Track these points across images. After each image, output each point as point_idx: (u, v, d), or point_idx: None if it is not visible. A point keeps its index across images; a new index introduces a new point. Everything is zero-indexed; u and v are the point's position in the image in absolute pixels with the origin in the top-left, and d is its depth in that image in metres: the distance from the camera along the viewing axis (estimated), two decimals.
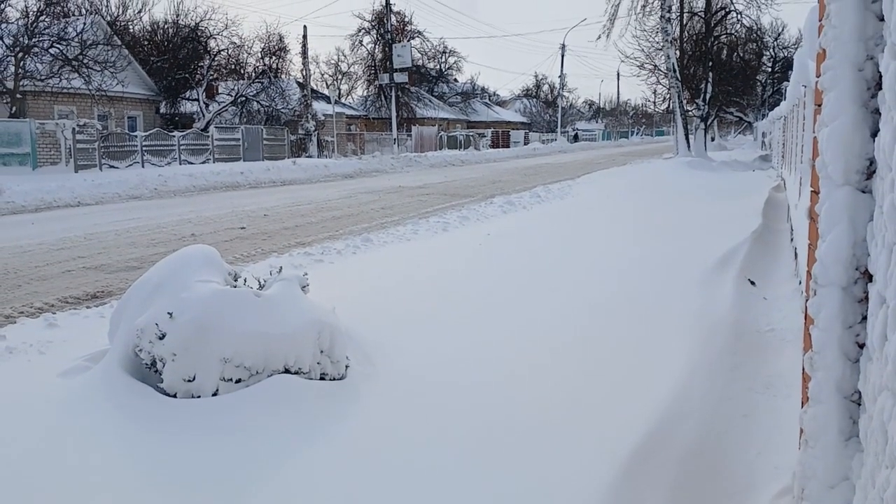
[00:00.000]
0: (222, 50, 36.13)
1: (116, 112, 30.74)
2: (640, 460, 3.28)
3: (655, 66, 32.44)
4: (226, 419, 3.51)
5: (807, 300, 2.42)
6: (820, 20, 2.46)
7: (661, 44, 29.15)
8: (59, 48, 24.29)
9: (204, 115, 33.79)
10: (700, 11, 32.71)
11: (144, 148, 25.42)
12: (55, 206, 16.02)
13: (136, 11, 36.41)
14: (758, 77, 43.22)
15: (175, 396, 3.68)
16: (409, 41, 47.79)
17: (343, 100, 50.48)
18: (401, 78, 40.53)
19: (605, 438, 3.46)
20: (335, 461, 3.28)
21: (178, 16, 36.17)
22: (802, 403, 2.54)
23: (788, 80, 15.15)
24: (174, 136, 27.09)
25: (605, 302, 6.08)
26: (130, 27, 35.68)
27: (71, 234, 11.20)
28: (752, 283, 7.15)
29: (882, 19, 2.02)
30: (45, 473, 3.08)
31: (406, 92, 48.66)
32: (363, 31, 51.52)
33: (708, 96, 32.20)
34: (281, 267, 4.81)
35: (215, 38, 35.69)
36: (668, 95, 32.20)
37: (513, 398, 3.98)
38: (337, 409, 3.78)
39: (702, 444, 3.61)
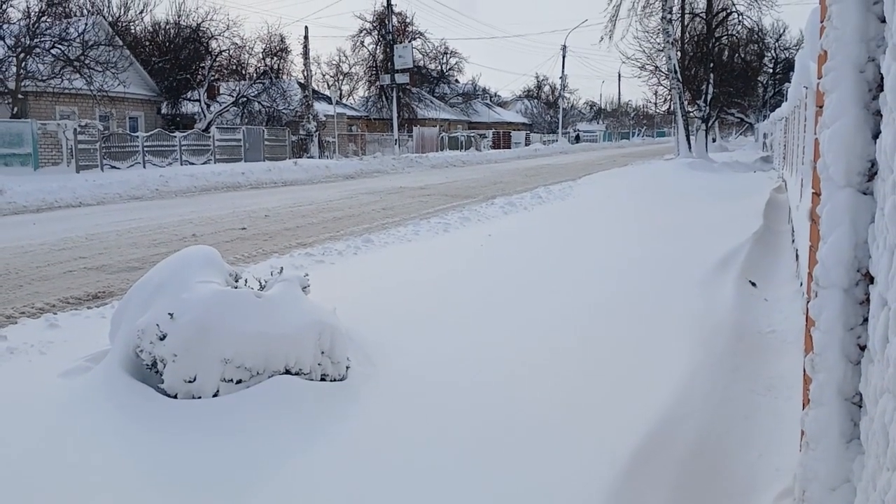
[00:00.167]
0: (224, 51, 36.19)
1: (118, 112, 30.77)
2: (641, 461, 3.28)
3: (656, 67, 32.47)
4: (226, 420, 3.51)
5: (808, 302, 2.42)
6: (821, 21, 2.46)
7: (662, 45, 29.14)
8: (60, 49, 24.31)
9: (205, 116, 33.81)
10: (701, 12, 32.71)
11: (146, 148, 25.44)
12: (56, 206, 16.02)
13: (138, 12, 36.48)
14: (759, 78, 43.23)
15: (176, 397, 3.68)
16: (410, 42, 47.81)
17: (344, 100, 50.48)
18: (402, 79, 40.53)
19: (606, 439, 3.45)
20: (336, 462, 3.28)
21: (179, 16, 36.26)
22: (804, 405, 2.54)
23: (790, 82, 15.15)
24: (175, 137, 27.11)
25: (605, 303, 6.07)
26: (132, 28, 35.75)
27: (72, 235, 11.21)
28: (753, 284, 7.14)
29: (883, 21, 2.02)
30: (46, 473, 3.08)
31: (407, 93, 48.67)
32: (364, 31, 51.62)
33: (709, 97, 32.19)
34: (282, 268, 4.82)
35: (217, 39, 35.77)
36: (669, 96, 32.22)
37: (513, 398, 3.98)
38: (337, 409, 3.78)
39: (703, 445, 3.60)
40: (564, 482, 3.10)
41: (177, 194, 19.14)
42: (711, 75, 31.95)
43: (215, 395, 3.68)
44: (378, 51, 50.88)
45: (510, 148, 54.49)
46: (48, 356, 4.69)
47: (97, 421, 3.52)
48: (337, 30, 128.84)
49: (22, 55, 23.50)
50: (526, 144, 59.43)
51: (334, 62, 56.84)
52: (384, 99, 47.65)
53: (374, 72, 50.92)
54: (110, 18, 32.77)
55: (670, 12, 28.19)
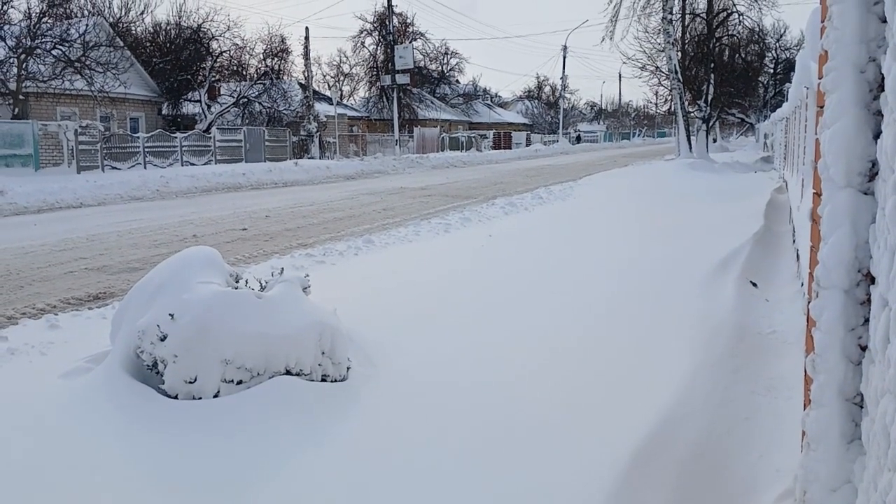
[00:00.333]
0: (224, 51, 36.21)
1: (119, 113, 30.79)
2: (642, 462, 3.28)
3: (657, 67, 32.48)
4: (227, 420, 3.51)
5: (809, 302, 2.42)
6: (822, 22, 2.46)
7: (663, 45, 29.14)
8: (61, 50, 24.33)
9: (206, 117, 33.83)
10: (702, 13, 32.70)
11: (146, 149, 25.45)
12: (57, 207, 16.03)
13: (139, 13, 36.47)
14: (760, 78, 43.22)
15: (176, 398, 3.68)
16: (410, 42, 47.80)
17: (345, 101, 50.52)
18: (403, 79, 40.53)
19: (606, 440, 3.45)
20: (337, 462, 3.28)
21: (180, 17, 36.28)
22: (804, 406, 2.54)
23: (790, 82, 15.15)
24: (176, 138, 27.12)
25: (606, 303, 6.07)
26: (133, 29, 35.75)
27: (73, 236, 11.22)
28: (754, 284, 7.14)
29: (884, 21, 2.02)
30: (46, 474, 3.08)
31: (408, 93, 48.67)
32: (365, 32, 51.64)
33: (710, 98, 32.17)
34: (282, 268, 4.82)
35: (217, 40, 35.78)
36: (670, 97, 32.25)
37: (513, 398, 3.98)
38: (338, 410, 3.78)
39: (703, 446, 3.60)
40: (565, 482, 3.09)
41: (177, 195, 19.14)
42: (712, 76, 31.93)
43: (216, 396, 3.68)
44: (379, 51, 50.91)
45: (511, 148, 54.50)
46: (49, 357, 4.69)
47: (98, 422, 3.52)
48: (337, 30, 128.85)
49: (23, 56, 23.53)
50: (527, 145, 59.44)
51: (335, 63, 57.04)
52: (385, 99, 47.66)
53: (374, 72, 50.93)
54: (111, 19, 32.79)
55: (671, 12, 28.18)
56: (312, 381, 3.95)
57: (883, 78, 1.95)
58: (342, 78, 55.39)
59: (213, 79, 35.57)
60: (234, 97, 35.39)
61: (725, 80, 34.33)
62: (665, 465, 3.32)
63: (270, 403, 3.64)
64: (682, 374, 4.39)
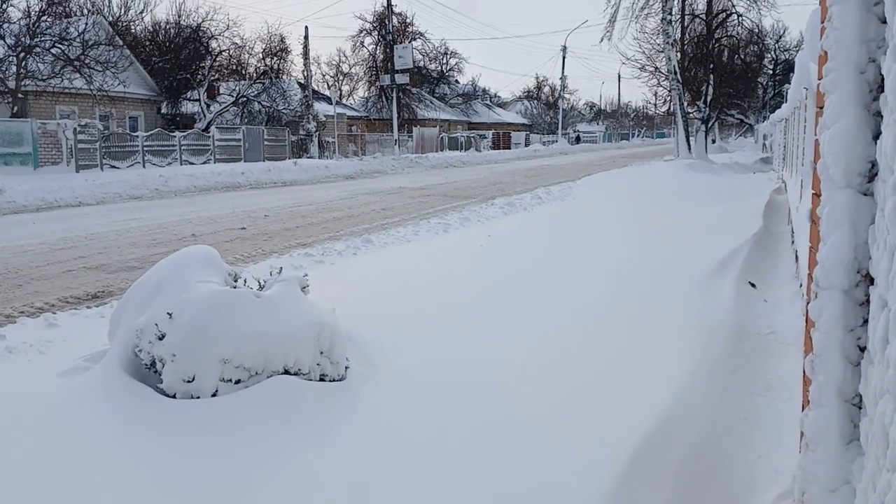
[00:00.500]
0: (224, 50, 36.18)
1: (118, 112, 30.75)
2: (641, 462, 3.28)
3: (656, 68, 32.48)
4: (225, 420, 3.51)
5: (808, 303, 2.42)
6: (822, 22, 2.46)
7: (662, 46, 29.16)
8: (60, 48, 24.30)
9: (205, 116, 33.80)
10: (701, 13, 32.71)
11: (145, 148, 25.43)
12: (56, 205, 16.02)
13: (138, 12, 36.47)
14: (759, 79, 43.23)
15: (174, 397, 3.68)
16: (410, 42, 47.80)
17: (344, 101, 50.47)
18: (402, 79, 40.53)
19: (606, 440, 3.45)
20: (336, 462, 3.27)
21: (179, 16, 36.23)
22: (803, 407, 2.54)
23: (790, 83, 15.15)
24: (175, 137, 27.10)
25: (605, 303, 6.07)
26: (132, 27, 35.73)
27: (72, 234, 11.21)
28: (753, 285, 7.14)
29: (884, 21, 2.02)
30: (45, 473, 3.08)
31: (407, 93, 48.67)
32: (364, 32, 51.63)
33: (709, 98, 32.20)
34: (281, 268, 4.81)
35: (217, 39, 35.75)
36: (669, 97, 32.24)
37: (512, 399, 3.98)
38: (336, 409, 3.78)
39: (702, 446, 3.60)
40: (564, 482, 3.09)
41: (176, 194, 19.13)
42: (711, 76, 31.95)
43: (214, 395, 3.68)
44: (378, 51, 50.90)
45: (510, 149, 54.51)
46: (47, 356, 4.68)
47: (96, 420, 3.52)
48: (337, 30, 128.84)
49: (22, 54, 23.50)
50: (526, 145, 59.44)
51: (334, 62, 56.92)
52: (384, 99, 47.65)
53: (374, 72, 50.92)
54: (110, 18, 32.77)
55: (670, 13, 28.21)
56: (311, 380, 3.95)
57: (883, 79, 1.95)
58: (341, 77, 55.38)
59: (212, 78, 35.55)
60: (233, 96, 35.36)
61: (724, 80, 34.34)
62: (664, 466, 3.32)
63: (269, 403, 3.64)
64: (682, 375, 4.39)
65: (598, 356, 4.74)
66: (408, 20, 54.13)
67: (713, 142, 42.89)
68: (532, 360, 4.62)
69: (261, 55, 37.67)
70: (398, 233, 10.68)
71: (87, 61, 25.00)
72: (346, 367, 4.19)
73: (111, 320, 4.29)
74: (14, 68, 23.60)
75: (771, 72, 45.49)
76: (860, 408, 2.11)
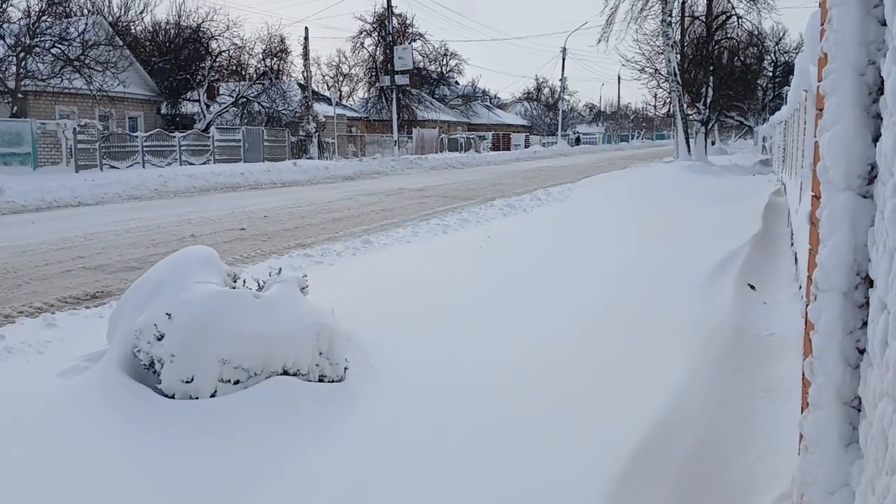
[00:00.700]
0: (223, 51, 36.17)
1: (117, 112, 30.76)
2: (640, 463, 3.28)
3: (656, 69, 32.49)
4: (224, 421, 3.51)
5: (807, 305, 2.42)
6: (821, 24, 2.46)
7: (662, 48, 29.18)
8: (60, 48, 24.30)
9: (205, 116, 33.80)
10: (701, 15, 32.74)
11: (145, 148, 25.43)
12: (55, 205, 16.01)
13: (138, 12, 36.48)
14: (759, 81, 43.27)
15: (173, 397, 3.67)
16: (410, 43, 47.80)
17: (344, 101, 50.49)
18: (402, 80, 40.53)
19: (605, 441, 3.45)
20: (335, 462, 3.27)
21: (179, 17, 36.27)
22: (802, 409, 2.54)
23: (789, 85, 15.17)
24: (175, 137, 27.10)
25: (604, 305, 6.07)
26: (132, 28, 35.73)
27: (71, 234, 11.20)
28: (752, 287, 7.14)
29: (884, 24, 2.02)
30: (44, 474, 3.07)
31: (407, 94, 48.67)
32: (364, 32, 51.63)
33: (709, 100, 32.22)
34: (280, 268, 4.81)
35: (217, 40, 35.75)
36: (669, 99, 32.25)
37: (512, 399, 3.98)
38: (336, 410, 3.77)
39: (701, 447, 3.60)
40: (564, 483, 3.09)
41: (176, 194, 19.12)
42: (711, 78, 31.98)
43: (213, 396, 3.67)
44: (378, 52, 50.90)
45: (509, 150, 54.53)
46: (46, 356, 4.68)
47: (94, 421, 3.51)
48: (337, 31, 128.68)
49: (22, 54, 23.49)
50: (525, 146, 59.46)
51: (334, 63, 56.92)
52: (384, 100, 47.65)
53: (373, 73, 50.92)
54: (110, 18, 32.77)
55: (670, 15, 28.23)
56: (310, 381, 3.94)
57: (882, 81, 1.96)
58: (341, 78, 55.41)
59: (212, 78, 35.54)
60: (233, 97, 35.36)
61: (724, 82, 34.37)
62: (663, 467, 3.32)
63: (268, 403, 3.64)
64: (681, 376, 4.39)
65: (598, 357, 4.74)
66: (408, 21, 54.17)
67: (713, 144, 42.92)
68: (531, 360, 4.62)
69: (261, 56, 37.70)
70: (397, 234, 10.68)
71: (86, 61, 25.00)
72: (346, 368, 4.18)
73: (110, 320, 4.29)
74: (14, 68, 23.59)
75: (770, 74, 45.54)
76: (859, 410, 2.11)
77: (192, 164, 26.71)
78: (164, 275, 4.09)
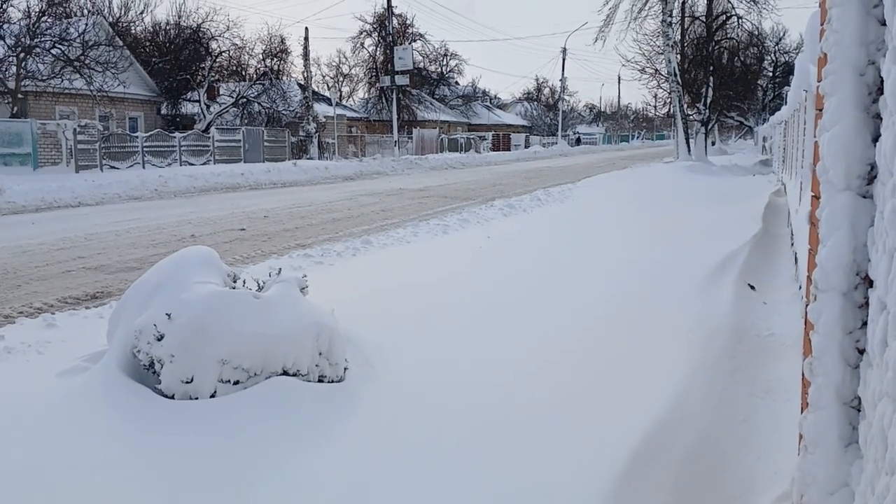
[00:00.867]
0: (224, 51, 36.17)
1: (118, 113, 30.76)
2: (640, 463, 3.28)
3: (656, 70, 32.50)
4: (224, 421, 3.50)
5: (807, 305, 2.42)
6: (821, 25, 2.46)
7: (662, 48, 29.18)
8: (60, 49, 24.31)
9: (205, 117, 33.80)
10: (701, 16, 32.76)
11: (145, 149, 25.43)
12: (55, 206, 16.01)
13: (138, 12, 36.44)
14: (759, 82, 43.28)
15: (173, 398, 3.67)
16: (410, 44, 47.79)
17: (344, 102, 50.47)
18: (402, 80, 40.52)
19: (605, 441, 3.45)
20: (335, 463, 3.27)
21: (179, 17, 36.25)
22: (802, 409, 2.53)
23: (789, 85, 15.17)
24: (175, 137, 27.10)
25: (604, 305, 6.07)
26: (132, 28, 35.71)
27: (71, 235, 11.20)
28: (752, 287, 7.14)
29: (884, 24, 2.02)
30: (43, 474, 3.07)
31: (407, 94, 48.68)
32: (364, 33, 51.66)
33: (709, 100, 32.23)
34: (280, 268, 4.81)
35: (217, 40, 35.75)
36: (669, 99, 32.25)
37: (511, 400, 3.97)
38: (335, 410, 3.77)
39: (701, 447, 3.60)
40: (564, 483, 3.09)
41: (176, 195, 19.12)
42: (711, 78, 31.98)
43: (213, 396, 3.67)
44: (378, 52, 50.92)
45: (510, 150, 54.53)
46: (46, 356, 4.68)
47: (94, 421, 3.51)
48: (337, 31, 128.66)
49: (22, 55, 23.50)
50: (525, 147, 59.46)
51: (334, 63, 56.87)
52: (384, 100, 47.66)
53: (374, 73, 50.93)
54: (111, 19, 32.76)
55: (670, 15, 28.23)
56: (309, 381, 3.94)
57: (882, 81, 1.95)
58: (341, 79, 55.36)
59: (212, 79, 35.54)
60: (233, 97, 35.36)
61: (724, 83, 34.38)
62: (663, 467, 3.32)
63: (267, 404, 3.64)
64: (681, 376, 4.39)
65: (598, 357, 4.74)
66: (408, 21, 54.18)
67: (713, 144, 42.92)
68: (531, 361, 4.61)
69: (261, 56, 37.70)
70: (397, 234, 10.68)
71: (87, 62, 25.00)
72: (345, 368, 4.18)
73: (110, 321, 4.29)
74: (14, 69, 23.60)
75: (771, 74, 45.56)
76: (859, 410, 2.11)
77: (192, 164, 26.71)
78: (164, 275, 4.09)
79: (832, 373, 2.15)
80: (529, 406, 3.91)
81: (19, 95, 23.98)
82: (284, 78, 38.85)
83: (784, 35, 45.79)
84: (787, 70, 40.48)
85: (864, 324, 2.08)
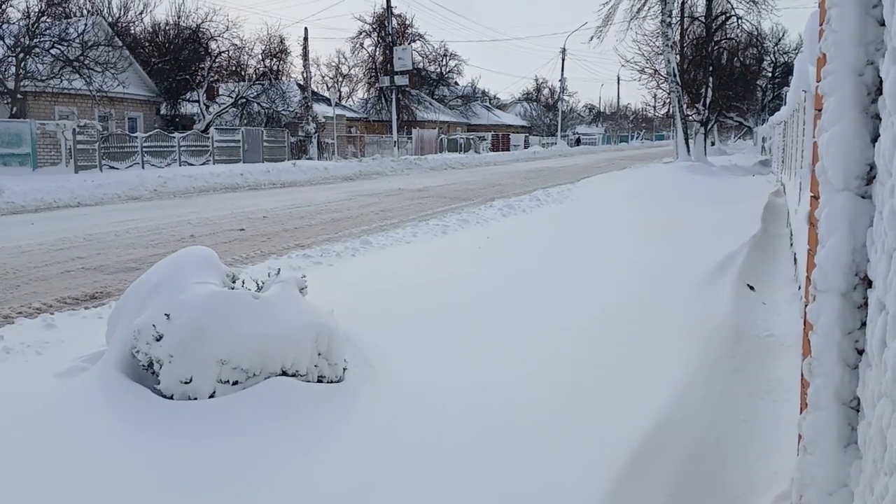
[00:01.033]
0: (223, 51, 36.14)
1: (117, 113, 30.74)
2: (640, 464, 3.27)
3: (656, 70, 32.48)
4: (222, 421, 3.50)
5: (806, 305, 2.42)
6: (820, 25, 2.46)
7: (662, 48, 29.17)
8: (60, 49, 24.29)
9: (204, 117, 33.79)
10: (700, 16, 32.76)
11: (144, 149, 25.43)
12: (55, 206, 16.00)
13: (138, 13, 36.41)
14: (758, 82, 43.30)
15: (171, 398, 3.67)
16: (409, 44, 47.80)
17: (343, 102, 50.46)
18: (401, 80, 40.52)
19: (605, 441, 3.45)
20: (334, 463, 3.27)
21: (179, 17, 36.22)
22: (801, 409, 2.53)
23: (789, 85, 15.17)
24: (174, 138, 27.09)
25: (604, 305, 6.07)
26: (132, 28, 35.68)
27: (70, 235, 11.19)
28: (752, 287, 7.14)
29: (882, 24, 2.02)
30: (42, 474, 3.07)
31: (406, 95, 48.68)
32: (364, 33, 51.68)
33: (708, 101, 32.24)
34: (279, 269, 4.80)
35: (216, 40, 35.71)
36: (669, 100, 32.24)
37: (511, 401, 3.97)
38: (335, 411, 3.77)
39: (700, 448, 3.60)
40: (564, 483, 3.09)
41: (175, 195, 19.12)
42: (710, 79, 31.98)
43: (211, 397, 3.67)
44: (377, 53, 50.93)
45: (509, 150, 54.53)
46: (44, 356, 4.67)
47: (93, 421, 3.51)
48: (336, 31, 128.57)
49: (21, 55, 23.48)
50: (525, 147, 59.47)
51: (334, 64, 56.91)
52: (383, 101, 47.65)
53: (373, 74, 50.94)
54: (110, 19, 32.74)
55: (669, 15, 28.22)
56: (308, 381, 3.94)
57: (881, 81, 1.95)
58: (341, 79, 55.40)
59: (211, 79, 35.53)
60: (232, 97, 35.34)
61: (724, 83, 34.39)
62: (663, 467, 3.32)
63: (266, 404, 3.63)
64: (680, 377, 4.39)
65: (598, 357, 4.74)
66: (407, 22, 54.19)
67: (712, 144, 42.95)
68: (531, 361, 4.61)
69: (260, 56, 37.70)
70: (397, 234, 10.68)
71: (86, 62, 24.99)
72: (345, 369, 4.18)
73: (109, 321, 4.29)
74: (13, 69, 23.59)
75: (770, 74, 45.58)
76: (858, 411, 2.11)
77: (191, 164, 26.71)
78: (163, 275, 4.09)
79: (831, 373, 2.15)
80: (529, 406, 3.91)
81: (18, 96, 23.97)
82: (284, 78, 38.86)
83: (783, 35, 45.87)
84: (787, 70, 40.52)
85: (863, 324, 2.08)
